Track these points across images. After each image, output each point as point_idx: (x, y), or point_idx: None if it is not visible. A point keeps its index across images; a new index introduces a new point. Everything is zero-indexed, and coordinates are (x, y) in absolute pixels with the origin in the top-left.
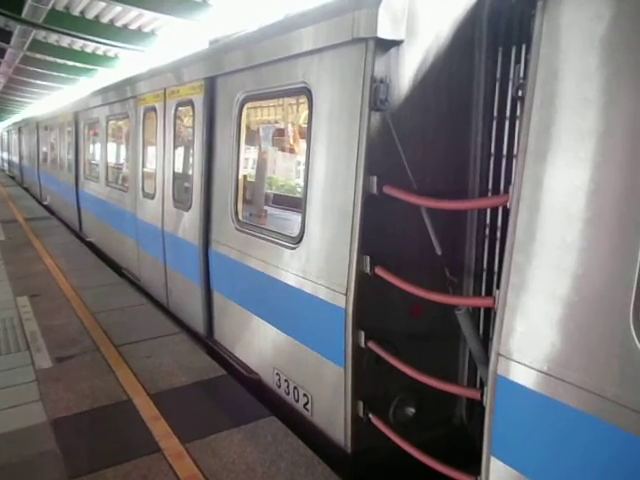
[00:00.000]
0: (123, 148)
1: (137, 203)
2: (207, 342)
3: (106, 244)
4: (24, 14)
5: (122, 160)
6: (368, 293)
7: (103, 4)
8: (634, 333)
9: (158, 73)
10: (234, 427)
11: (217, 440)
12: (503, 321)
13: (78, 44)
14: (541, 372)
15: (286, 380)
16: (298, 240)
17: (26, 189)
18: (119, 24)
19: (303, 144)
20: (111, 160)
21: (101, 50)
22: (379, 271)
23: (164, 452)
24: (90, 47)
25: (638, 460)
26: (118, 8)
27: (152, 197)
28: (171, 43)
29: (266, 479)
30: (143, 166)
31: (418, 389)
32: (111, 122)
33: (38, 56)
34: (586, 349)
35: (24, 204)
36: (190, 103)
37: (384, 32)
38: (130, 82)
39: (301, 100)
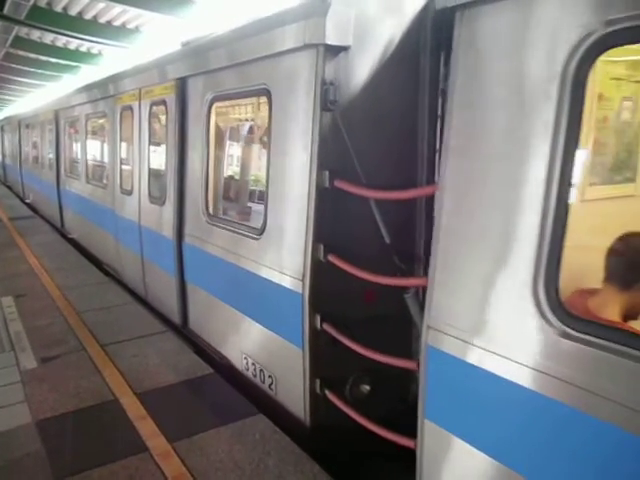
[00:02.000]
0: (102, 146)
1: (115, 199)
2: (182, 331)
3: (87, 240)
4: (6, 10)
5: (101, 158)
6: (323, 279)
7: (86, 0)
8: (533, 305)
9: (134, 73)
10: (222, 425)
11: (205, 439)
12: (432, 297)
13: (61, 41)
14: (463, 341)
15: (253, 363)
16: (261, 231)
17: (9, 187)
18: (103, 20)
19: (265, 142)
20: (90, 158)
21: (85, 47)
22: (332, 258)
23: (151, 451)
24: (73, 44)
25: (543, 415)
26: (101, 4)
27: (129, 193)
28: (155, 40)
29: (254, 477)
30: (121, 163)
31: (373, 368)
32: (90, 120)
33: (21, 53)
34: (498, 320)
35: (7, 203)
36: (163, 102)
37: (331, 39)
38: (108, 81)
39: (263, 100)
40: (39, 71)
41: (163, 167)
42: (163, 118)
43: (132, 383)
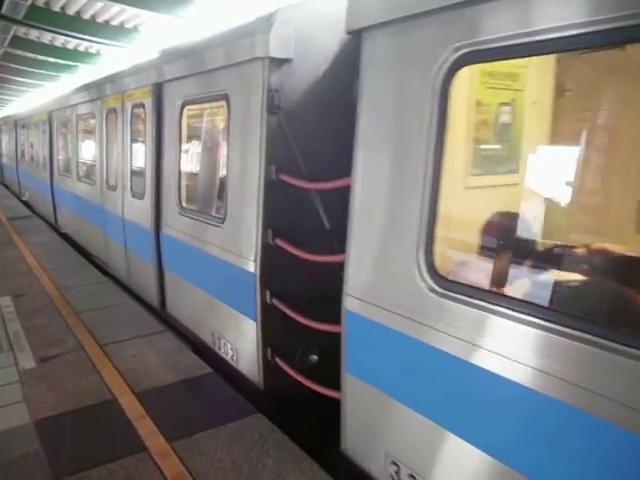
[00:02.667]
0: (91, 145)
1: (102, 195)
2: (161, 314)
3: (79, 234)
4: (4, 10)
5: (90, 156)
6: (271, 260)
7: (84, 0)
8: (417, 270)
9: (118, 77)
10: (220, 425)
11: (203, 438)
12: (348, 269)
13: (59, 40)
14: (370, 304)
15: (219, 338)
16: (223, 220)
17: (6, 186)
18: (101, 20)
19: (226, 141)
20: (81, 156)
21: (83, 46)
22: (279, 242)
23: (150, 451)
24: (72, 43)
25: (425, 356)
26: (100, 4)
27: (114, 189)
28: (154, 39)
29: (253, 476)
30: (107, 161)
31: (320, 341)
32: (81, 121)
33: (19, 52)
34: (394, 284)
35: (6, 203)
36: (142, 105)
37: (275, 52)
38: (96, 85)
39: (224, 105)
40: (37, 71)
41: (143, 164)
42: (142, 120)
43: (131, 383)
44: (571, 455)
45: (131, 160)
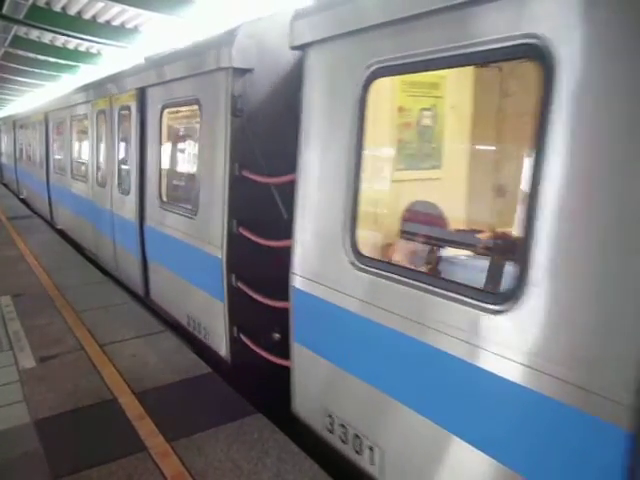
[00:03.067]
0: (84, 145)
1: (93, 192)
2: (145, 301)
3: (72, 229)
4: (5, 9)
5: (83, 155)
6: (236, 246)
7: (85, 0)
8: (343, 249)
9: (107, 81)
10: (220, 425)
11: (203, 438)
12: (295, 251)
13: (60, 40)
14: (310, 280)
15: (193, 320)
16: (195, 212)
17: (5, 185)
18: (102, 20)
19: (198, 141)
20: (75, 156)
21: (84, 46)
22: (242, 230)
23: (150, 451)
24: (72, 43)
25: (354, 323)
26: (100, 4)
27: (104, 186)
28: (155, 39)
29: (252, 476)
30: (97, 160)
31: (282, 319)
32: (74, 122)
33: (20, 52)
34: (329, 264)
35: (6, 203)
36: (128, 108)
37: (237, 63)
38: (88, 88)
39: (196, 108)
40: (38, 70)
41: (129, 163)
42: (128, 121)
43: (131, 382)
44: (423, 376)
45: (118, 158)
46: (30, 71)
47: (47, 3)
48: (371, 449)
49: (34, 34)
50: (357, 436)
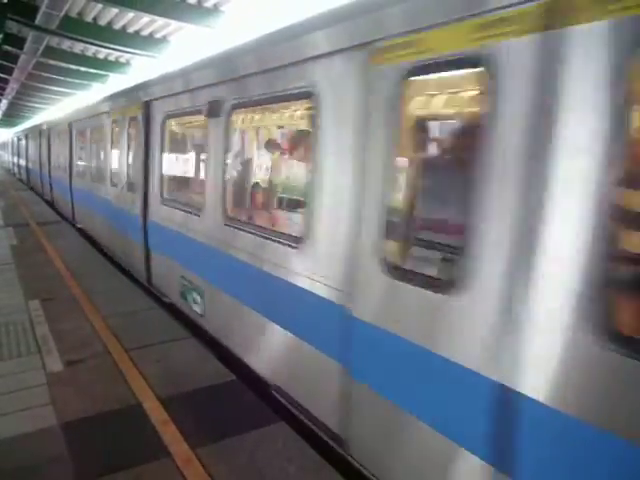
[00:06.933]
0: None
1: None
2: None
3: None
4: (37, 20)
5: (100, 160)
6: None
7: (116, 10)
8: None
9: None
10: (244, 432)
11: (227, 445)
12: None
13: (91, 50)
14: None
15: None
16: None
17: (32, 188)
18: (131, 30)
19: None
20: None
21: (113, 56)
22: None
23: (174, 457)
24: (102, 53)
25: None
26: (130, 14)
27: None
28: (183, 49)
29: None
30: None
31: None
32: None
33: (51, 62)
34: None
35: (35, 209)
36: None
37: None
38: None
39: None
40: (68, 80)
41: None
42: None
43: (155, 388)
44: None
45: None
46: (62, 80)
47: (79, 14)
48: None
49: (66, 44)
50: None
